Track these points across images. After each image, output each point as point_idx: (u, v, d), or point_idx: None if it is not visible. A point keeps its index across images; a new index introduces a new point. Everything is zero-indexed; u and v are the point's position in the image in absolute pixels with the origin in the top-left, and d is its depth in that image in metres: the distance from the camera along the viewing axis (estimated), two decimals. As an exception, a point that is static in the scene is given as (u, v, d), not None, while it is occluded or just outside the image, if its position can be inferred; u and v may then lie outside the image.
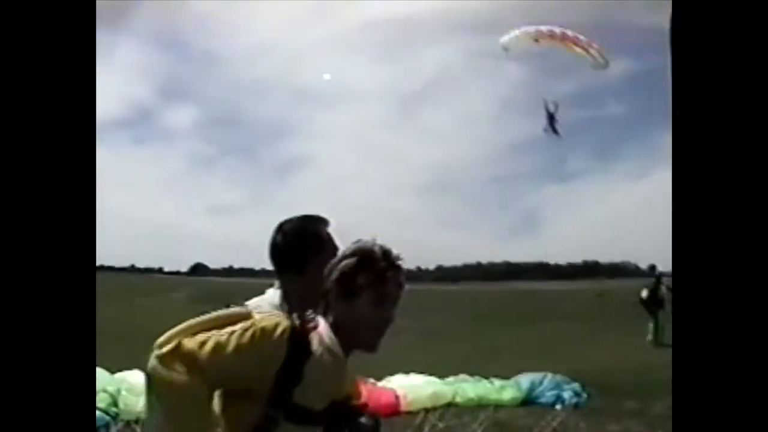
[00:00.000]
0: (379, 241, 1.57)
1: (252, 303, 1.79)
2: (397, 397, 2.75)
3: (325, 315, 1.55)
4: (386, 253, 1.55)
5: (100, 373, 3.55)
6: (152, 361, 1.38)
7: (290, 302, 1.79)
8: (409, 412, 2.86)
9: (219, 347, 1.40)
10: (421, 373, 3.40)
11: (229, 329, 1.44)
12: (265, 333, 1.45)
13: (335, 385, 1.54)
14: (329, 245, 1.82)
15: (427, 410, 2.91)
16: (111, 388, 3.47)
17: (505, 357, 9.68)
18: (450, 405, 2.97)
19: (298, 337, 1.47)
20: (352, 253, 1.55)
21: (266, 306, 1.77)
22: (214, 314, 1.49)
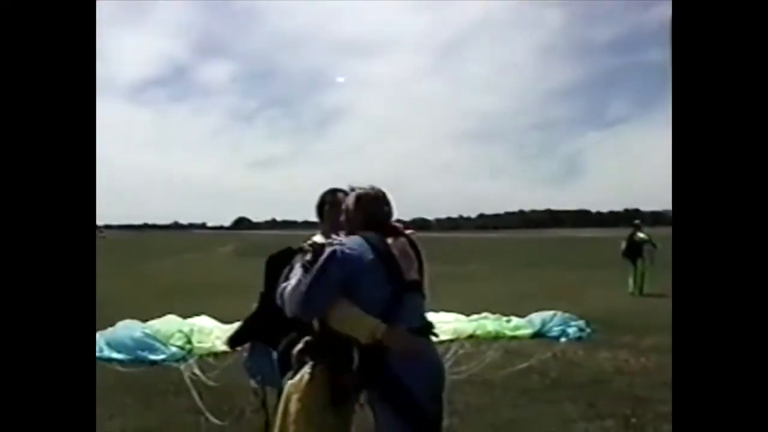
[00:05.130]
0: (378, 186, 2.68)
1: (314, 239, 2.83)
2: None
3: (351, 232, 2.50)
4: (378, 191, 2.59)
5: (173, 318, 4.05)
6: None
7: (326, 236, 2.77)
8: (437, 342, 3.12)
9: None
10: (451, 311, 4.29)
11: None
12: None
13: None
14: (338, 206, 2.82)
15: (451, 341, 3.64)
16: (186, 329, 3.78)
17: (531, 300, 9.58)
18: (471, 337, 3.69)
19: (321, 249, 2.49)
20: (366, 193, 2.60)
21: (318, 239, 2.81)
22: None
